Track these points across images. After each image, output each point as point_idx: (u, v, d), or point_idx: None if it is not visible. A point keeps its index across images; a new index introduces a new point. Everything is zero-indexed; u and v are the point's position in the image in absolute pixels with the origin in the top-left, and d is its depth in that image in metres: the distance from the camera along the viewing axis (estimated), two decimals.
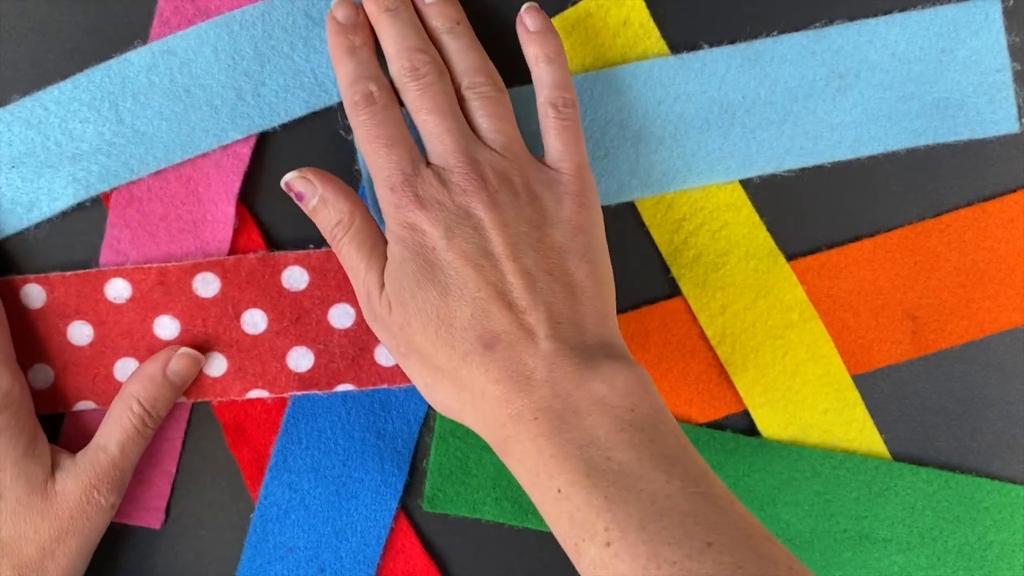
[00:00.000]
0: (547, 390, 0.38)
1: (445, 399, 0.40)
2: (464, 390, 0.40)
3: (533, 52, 0.44)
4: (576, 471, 0.37)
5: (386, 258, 0.41)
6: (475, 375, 0.39)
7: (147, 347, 0.46)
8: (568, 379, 0.38)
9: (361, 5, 0.44)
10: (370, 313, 0.42)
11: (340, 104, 0.46)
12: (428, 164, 0.42)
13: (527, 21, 0.44)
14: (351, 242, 0.42)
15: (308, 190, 0.42)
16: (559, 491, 0.37)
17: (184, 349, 0.45)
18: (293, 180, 0.43)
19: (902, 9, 0.47)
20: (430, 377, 0.41)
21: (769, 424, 0.48)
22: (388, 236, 0.41)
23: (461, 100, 0.43)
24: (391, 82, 0.43)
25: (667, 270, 0.48)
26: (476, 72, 0.43)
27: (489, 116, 0.42)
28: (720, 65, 0.47)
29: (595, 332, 0.40)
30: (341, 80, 0.43)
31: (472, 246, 0.40)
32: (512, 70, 0.45)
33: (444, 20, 0.43)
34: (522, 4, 0.44)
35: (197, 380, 0.46)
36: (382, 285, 0.41)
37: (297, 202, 0.43)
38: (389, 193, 0.41)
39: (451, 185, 0.41)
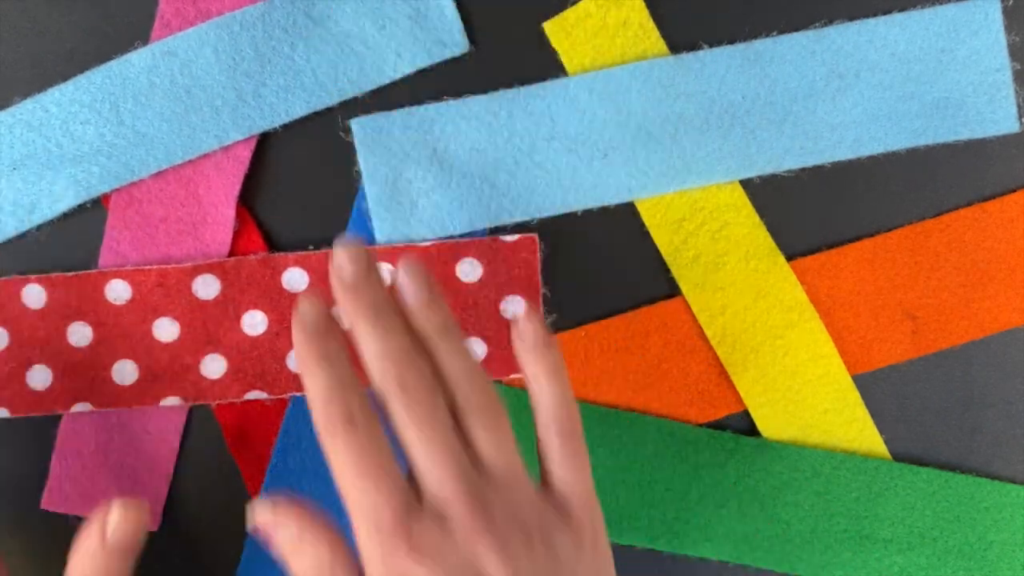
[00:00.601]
0: None
1: None
2: None
3: (531, 370, 0.37)
4: None
5: None
6: None
7: (146, 349, 0.46)
8: None
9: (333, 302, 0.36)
10: None
11: (340, 104, 0.46)
12: (420, 497, 0.34)
13: (524, 332, 0.37)
14: None
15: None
16: None
17: (118, 502, 0.37)
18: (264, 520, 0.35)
19: (902, 9, 0.47)
20: None
21: (769, 424, 0.48)
22: None
23: (454, 412, 0.35)
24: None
25: (667, 270, 0.48)
26: (471, 382, 0.36)
27: (488, 431, 0.35)
28: (720, 65, 0.47)
29: None
30: (312, 393, 0.34)
31: None
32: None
33: (434, 323, 0.36)
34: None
35: (196, 382, 0.46)
36: None
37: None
38: (375, 534, 0.33)
39: (453, 527, 0.33)
